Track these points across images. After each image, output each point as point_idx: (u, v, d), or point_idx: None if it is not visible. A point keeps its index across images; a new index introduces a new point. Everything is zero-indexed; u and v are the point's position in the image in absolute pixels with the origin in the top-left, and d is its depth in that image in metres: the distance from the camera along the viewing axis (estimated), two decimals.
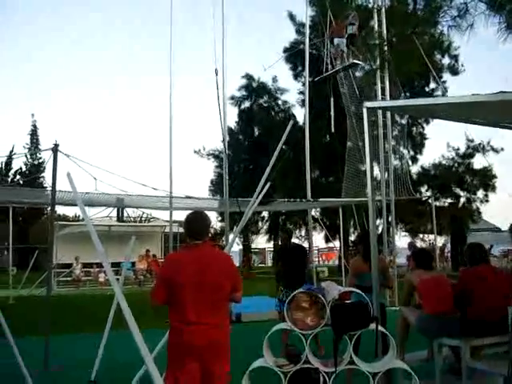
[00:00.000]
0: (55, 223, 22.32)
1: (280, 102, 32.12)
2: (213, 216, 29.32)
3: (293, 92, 32.13)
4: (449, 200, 26.94)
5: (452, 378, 5.56)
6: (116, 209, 23.67)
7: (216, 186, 30.84)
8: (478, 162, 25.90)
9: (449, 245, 31.36)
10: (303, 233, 34.21)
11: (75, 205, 15.24)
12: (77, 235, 22.07)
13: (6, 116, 67.29)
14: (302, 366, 4.52)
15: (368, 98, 15.53)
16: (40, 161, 41.38)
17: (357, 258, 6.53)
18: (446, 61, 25.79)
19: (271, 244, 37.35)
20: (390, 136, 15.56)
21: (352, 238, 27.65)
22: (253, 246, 37.76)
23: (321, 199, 16.82)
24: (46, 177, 36.64)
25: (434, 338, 5.65)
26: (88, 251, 21.10)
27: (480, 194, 26.08)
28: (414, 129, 27.70)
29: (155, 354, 5.21)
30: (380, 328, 4.73)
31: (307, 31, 17.95)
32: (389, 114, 15.14)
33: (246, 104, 31.84)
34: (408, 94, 22.93)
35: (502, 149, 24.37)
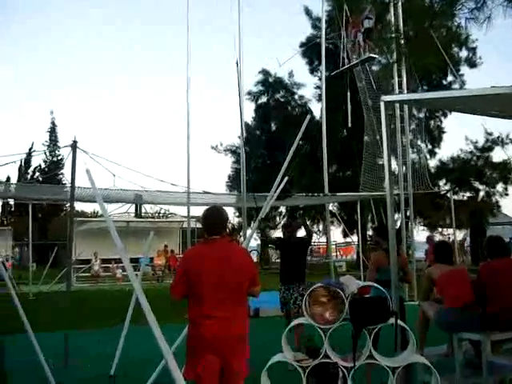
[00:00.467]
0: (74, 219, 22.55)
1: (296, 97, 32.05)
2: (230, 211, 29.38)
3: (309, 87, 32.05)
4: (468, 194, 26.67)
5: (472, 372, 5.51)
6: (134, 205, 23.85)
7: (233, 182, 30.88)
8: (497, 155, 25.60)
9: (468, 238, 31.08)
10: (321, 227, 34.20)
11: (94, 201, 15.40)
12: (95, 231, 22.29)
13: (25, 114, 68.08)
14: (320, 360, 4.52)
15: (385, 92, 15.43)
16: (59, 158, 41.76)
17: (378, 251, 6.48)
18: (464, 53, 25.53)
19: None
20: (407, 130, 15.45)
21: (370, 232, 27.53)
22: None
23: (338, 194, 16.77)
24: (65, 173, 36.98)
25: (453, 333, 5.60)
26: (106, 247, 21.30)
27: (499, 187, 25.78)
28: (432, 122, 27.46)
29: (174, 348, 5.25)
30: (399, 322, 4.71)
31: (323, 26, 17.87)
32: (406, 108, 15.03)
33: (263, 99, 31.81)
34: (425, 88, 22.75)
35: None
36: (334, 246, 31.63)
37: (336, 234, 32.49)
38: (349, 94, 17.95)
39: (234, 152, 31.36)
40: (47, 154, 41.86)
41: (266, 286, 6.31)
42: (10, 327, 7.92)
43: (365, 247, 23.06)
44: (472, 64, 25.93)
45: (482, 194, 26.49)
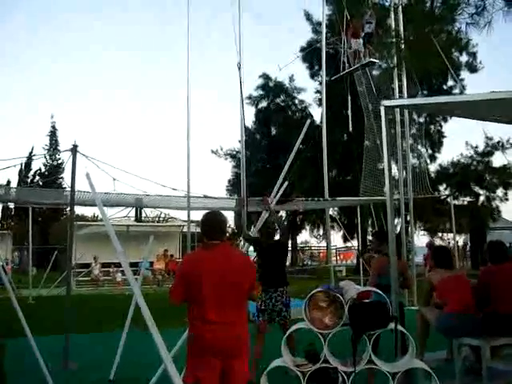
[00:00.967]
0: (74, 223, 22.53)
1: (297, 102, 32.09)
2: (230, 216, 29.39)
3: (310, 91, 32.12)
4: (468, 198, 26.66)
5: (472, 378, 5.51)
6: (134, 209, 23.82)
7: (233, 186, 30.90)
8: (498, 159, 25.61)
9: (468, 243, 31.07)
10: (321, 232, 34.21)
11: (94, 205, 15.38)
12: (95, 235, 22.28)
13: (25, 117, 68.16)
14: (320, 365, 4.52)
15: (385, 97, 15.44)
16: (59, 162, 41.74)
17: (380, 256, 6.47)
18: (464, 58, 25.56)
19: (289, 243, 37.30)
20: (407, 134, 15.44)
21: (370, 237, 27.51)
22: None
23: (338, 198, 16.74)
24: (66, 177, 37.01)
25: (453, 338, 5.60)
26: (106, 251, 21.29)
27: (499, 192, 25.78)
28: (432, 127, 27.48)
29: (174, 353, 5.25)
30: (399, 327, 4.70)
31: (324, 30, 17.90)
32: (406, 113, 15.03)
33: (263, 103, 31.84)
34: (426, 92, 22.77)
35: None
36: (333, 251, 31.63)
37: (336, 238, 32.50)
38: (349, 98, 17.97)
39: (234, 156, 31.38)
40: (47, 157, 41.87)
41: None
42: (11, 330, 7.92)
43: (365, 252, 23.03)
44: (472, 69, 25.97)
45: (482, 198, 26.48)
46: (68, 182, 10.06)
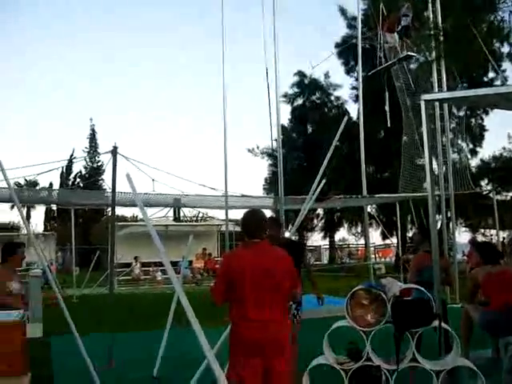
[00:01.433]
0: (115, 224, 22.92)
1: (333, 98, 31.89)
2: (268, 214, 29.41)
3: (345, 88, 31.86)
4: (511, 194, 25.97)
5: None
6: (173, 209, 24.07)
7: (270, 185, 30.90)
8: None
9: None
10: (359, 229, 33.92)
11: (134, 205, 15.63)
12: (135, 235, 22.58)
13: (66, 121, 69.64)
14: (363, 363, 4.47)
15: (424, 91, 15.18)
16: (99, 164, 42.54)
17: (419, 253, 6.38)
18: (506, 49, 24.87)
19: (327, 241, 37.17)
20: (447, 129, 15.17)
21: (410, 234, 27.13)
22: (308, 243, 37.66)
23: (377, 195, 16.58)
24: (105, 179, 37.65)
25: (499, 336, 5.46)
26: (146, 251, 21.56)
27: None
28: (473, 121, 26.85)
29: (215, 351, 5.28)
30: (443, 325, 4.62)
31: (359, 25, 17.74)
32: (446, 107, 14.76)
33: (299, 101, 31.76)
34: (466, 85, 22.29)
35: None
36: (372, 248, 31.32)
37: (374, 236, 32.13)
38: (387, 93, 17.76)
39: (270, 155, 31.37)
40: (87, 160, 42.74)
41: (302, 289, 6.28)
42: (57, 329, 8.12)
43: (405, 249, 22.73)
44: None
45: None
46: (108, 184, 10.26)
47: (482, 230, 28.69)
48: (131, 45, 71.36)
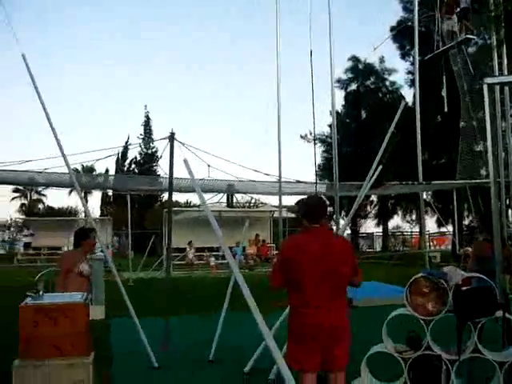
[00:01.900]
0: (167, 210, 23.33)
1: (387, 83, 31.32)
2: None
3: (401, 72, 31.29)
4: None
5: None
6: (226, 195, 24.27)
7: (323, 171, 30.72)
8: None
9: None
10: (413, 217, 33.35)
11: (188, 191, 15.85)
12: (189, 221, 22.92)
13: (120, 108, 71.02)
14: (423, 352, 4.41)
15: (483, 75, 14.68)
16: (153, 150, 43.24)
17: (480, 241, 6.23)
18: None
19: (380, 228, 36.75)
20: (508, 114, 14.62)
21: (466, 222, 26.46)
22: (361, 230, 37.35)
23: (434, 182, 16.20)
24: (160, 165, 38.18)
25: None
26: (200, 236, 21.88)
27: None
28: None
29: (272, 333, 5.32)
30: (507, 315, 4.50)
31: (416, 7, 17.24)
32: (507, 90, 14.22)
33: (353, 86, 31.35)
34: None
35: None
36: (426, 236, 30.70)
37: (429, 223, 31.48)
38: (444, 78, 17.25)
39: (323, 141, 31.16)
40: (142, 146, 43.47)
41: None
42: (116, 312, 8.34)
43: (461, 238, 22.17)
44: None
45: None
46: (164, 170, 10.44)
47: None
48: (182, 30, 71.79)
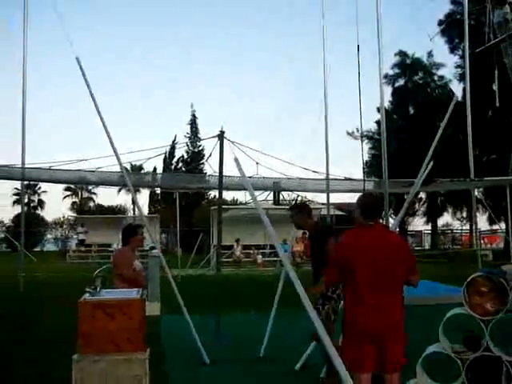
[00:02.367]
0: (215, 208, 23.54)
1: (436, 78, 30.68)
2: None
3: (450, 67, 30.54)
4: None
5: None
6: (272, 192, 24.27)
7: (370, 168, 30.37)
8: None
9: None
10: (464, 214, 32.60)
11: (235, 189, 15.94)
12: (235, 218, 23.04)
13: (167, 108, 71.85)
14: (481, 353, 4.29)
15: None
16: (200, 148, 43.73)
17: None
18: None
19: (429, 226, 36.04)
20: None
21: None
22: (409, 228, 36.76)
23: (486, 178, 15.77)
24: (206, 163, 38.25)
25: None
26: (246, 234, 21.99)
27: None
28: None
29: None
30: None
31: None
32: None
33: (400, 82, 30.86)
34: None
35: None
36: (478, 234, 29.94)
37: (480, 221, 30.70)
38: (496, 71, 16.77)
39: (370, 138, 30.79)
40: (189, 145, 43.98)
41: None
42: (166, 307, 8.48)
43: None
44: None
45: None
46: (212, 168, 10.53)
47: None
48: (227, 29, 71.94)
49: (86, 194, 55.78)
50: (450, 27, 25.95)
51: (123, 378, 3.96)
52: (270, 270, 19.68)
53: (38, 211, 50.95)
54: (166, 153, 41.30)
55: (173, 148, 41.04)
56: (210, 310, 8.59)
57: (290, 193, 26.61)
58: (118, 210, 47.60)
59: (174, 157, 44.25)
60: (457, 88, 28.99)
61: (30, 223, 31.44)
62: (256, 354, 6.83)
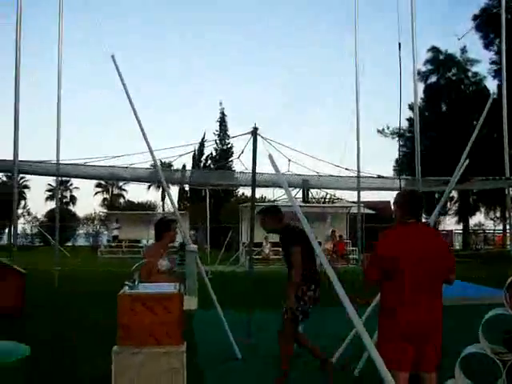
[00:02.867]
0: (244, 205, 23.60)
1: (470, 74, 30.15)
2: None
3: (484, 63, 30.03)
4: None
5: None
6: (301, 190, 24.21)
7: (401, 166, 30.06)
8: None
9: None
10: (498, 214, 32.03)
11: (265, 186, 15.93)
12: None
13: (196, 106, 72.38)
14: None
15: None
16: (228, 146, 44.04)
17: None
18: None
19: (460, 226, 35.49)
20: None
21: None
22: (440, 227, 36.22)
23: None
24: (235, 160, 38.35)
25: None
26: None
27: None
28: None
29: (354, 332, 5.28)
30: None
31: None
32: None
33: (433, 79, 30.43)
34: None
35: None
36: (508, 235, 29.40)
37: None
38: None
39: (401, 135, 30.47)
40: (218, 142, 44.28)
41: None
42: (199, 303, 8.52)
43: None
44: None
45: None
46: (244, 165, 10.55)
47: None
48: (255, 25, 71.90)
49: (116, 191, 56.61)
50: (486, 22, 25.49)
51: (161, 370, 4.01)
52: None
53: (70, 207, 51.90)
54: (194, 150, 41.62)
55: (202, 145, 41.27)
56: (241, 306, 8.60)
57: (318, 190, 26.54)
58: (147, 207, 48.16)
59: (203, 154, 44.54)
60: (491, 84, 28.54)
61: (63, 218, 31.95)
62: None
